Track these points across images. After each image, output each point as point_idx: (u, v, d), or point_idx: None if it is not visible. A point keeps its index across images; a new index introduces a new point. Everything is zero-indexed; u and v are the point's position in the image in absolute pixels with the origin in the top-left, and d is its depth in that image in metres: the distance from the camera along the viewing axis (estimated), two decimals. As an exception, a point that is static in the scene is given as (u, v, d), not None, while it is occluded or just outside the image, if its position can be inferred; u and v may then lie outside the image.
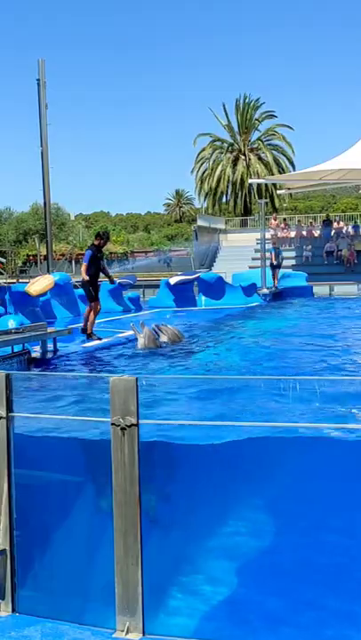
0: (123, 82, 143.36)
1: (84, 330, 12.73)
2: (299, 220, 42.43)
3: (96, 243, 13.01)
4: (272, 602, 4.58)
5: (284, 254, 28.64)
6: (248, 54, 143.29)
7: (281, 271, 25.81)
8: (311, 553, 4.72)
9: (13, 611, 4.12)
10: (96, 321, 12.99)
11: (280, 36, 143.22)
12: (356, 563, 4.58)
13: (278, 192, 46.46)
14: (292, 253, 36.06)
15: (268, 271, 24.18)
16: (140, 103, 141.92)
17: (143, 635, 3.80)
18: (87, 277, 12.68)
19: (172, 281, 20.49)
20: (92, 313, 12.74)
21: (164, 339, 11.52)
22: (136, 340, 11.40)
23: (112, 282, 14.25)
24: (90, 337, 12.59)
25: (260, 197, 41.37)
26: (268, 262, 24.22)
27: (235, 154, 55.92)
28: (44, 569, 4.66)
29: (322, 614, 4.49)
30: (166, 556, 4.63)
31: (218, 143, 56.54)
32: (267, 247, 24.47)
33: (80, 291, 17.00)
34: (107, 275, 13.52)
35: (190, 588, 4.73)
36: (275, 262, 24.70)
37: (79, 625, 3.97)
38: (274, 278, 24.70)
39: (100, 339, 12.46)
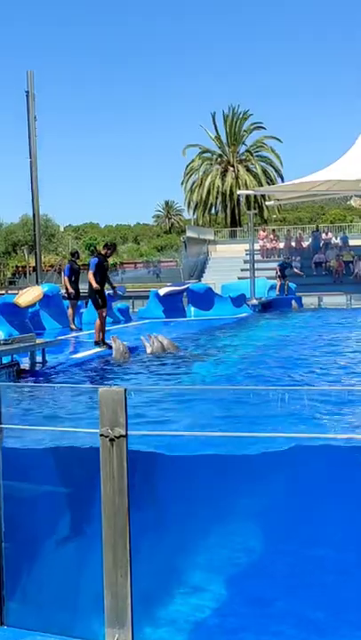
0: (112, 93, 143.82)
1: (97, 342, 12.68)
2: (288, 231, 42.61)
3: (103, 252, 13.24)
4: (261, 614, 4.57)
5: (274, 265, 29.11)
6: (238, 65, 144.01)
7: (270, 282, 26.02)
8: (299, 565, 4.72)
9: (2, 624, 4.11)
10: (87, 332, 13.01)
11: (269, 48, 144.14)
12: (345, 577, 4.59)
13: (267, 203, 46.64)
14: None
15: (261, 282, 24.75)
16: (129, 114, 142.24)
17: (132, 647, 3.78)
18: (96, 284, 12.71)
19: (162, 292, 20.51)
20: (99, 321, 12.78)
21: (149, 350, 11.59)
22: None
23: (115, 293, 14.47)
24: (97, 344, 12.61)
25: (248, 209, 41.57)
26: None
27: (223, 165, 56.18)
28: (34, 581, 4.65)
29: (310, 626, 4.49)
30: (155, 567, 4.62)
31: (207, 155, 56.82)
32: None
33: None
34: (110, 284, 13.65)
35: (179, 600, 4.72)
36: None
37: (68, 637, 3.97)
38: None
39: (110, 347, 12.39)
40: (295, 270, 31.30)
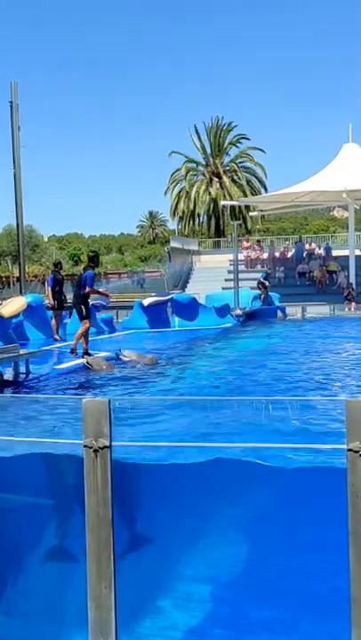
0: (96, 104, 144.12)
1: (84, 353, 12.65)
2: (271, 241, 42.77)
3: (92, 265, 13.20)
4: (245, 626, 4.58)
5: (257, 275, 29.25)
6: (222, 76, 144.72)
7: (253, 292, 26.11)
8: (283, 576, 4.73)
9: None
10: (70, 342, 13.03)
11: (253, 59, 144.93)
12: (329, 586, 4.60)
13: (251, 214, 46.85)
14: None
15: (245, 292, 24.84)
16: (114, 125, 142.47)
17: (117, 658, 3.77)
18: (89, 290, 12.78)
19: (146, 302, 20.51)
20: (80, 331, 12.76)
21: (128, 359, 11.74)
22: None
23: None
24: (81, 354, 12.59)
25: (232, 219, 41.73)
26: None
27: (208, 176, 56.39)
28: (18, 593, 4.62)
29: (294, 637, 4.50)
30: (140, 579, 4.61)
31: (191, 165, 57.02)
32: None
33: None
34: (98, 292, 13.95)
35: (163, 612, 4.71)
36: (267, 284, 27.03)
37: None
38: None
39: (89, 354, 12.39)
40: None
